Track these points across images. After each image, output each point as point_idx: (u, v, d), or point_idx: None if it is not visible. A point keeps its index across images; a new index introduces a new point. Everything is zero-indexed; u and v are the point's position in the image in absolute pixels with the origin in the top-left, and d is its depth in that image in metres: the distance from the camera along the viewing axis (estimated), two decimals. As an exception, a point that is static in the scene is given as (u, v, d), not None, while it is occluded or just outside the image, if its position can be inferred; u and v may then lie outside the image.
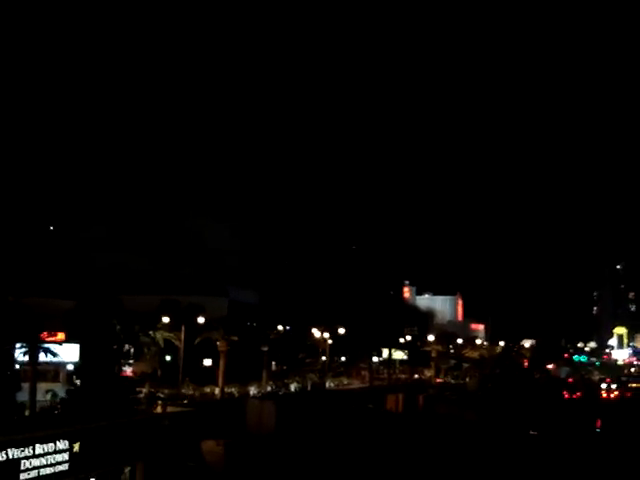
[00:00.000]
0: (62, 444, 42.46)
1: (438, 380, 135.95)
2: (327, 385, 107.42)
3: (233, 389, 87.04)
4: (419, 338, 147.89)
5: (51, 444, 41.68)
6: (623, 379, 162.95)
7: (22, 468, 39.46)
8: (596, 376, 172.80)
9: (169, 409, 66.51)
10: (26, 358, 59.32)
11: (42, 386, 62.20)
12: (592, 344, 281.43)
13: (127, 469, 48.84)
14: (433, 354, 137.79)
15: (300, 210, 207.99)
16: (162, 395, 73.99)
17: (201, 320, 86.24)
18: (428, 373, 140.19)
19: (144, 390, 71.29)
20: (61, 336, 65.50)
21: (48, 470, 41.12)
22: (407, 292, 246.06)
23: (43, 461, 40.94)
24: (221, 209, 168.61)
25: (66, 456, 42.54)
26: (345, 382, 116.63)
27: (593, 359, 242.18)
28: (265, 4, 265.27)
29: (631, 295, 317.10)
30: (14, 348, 58.26)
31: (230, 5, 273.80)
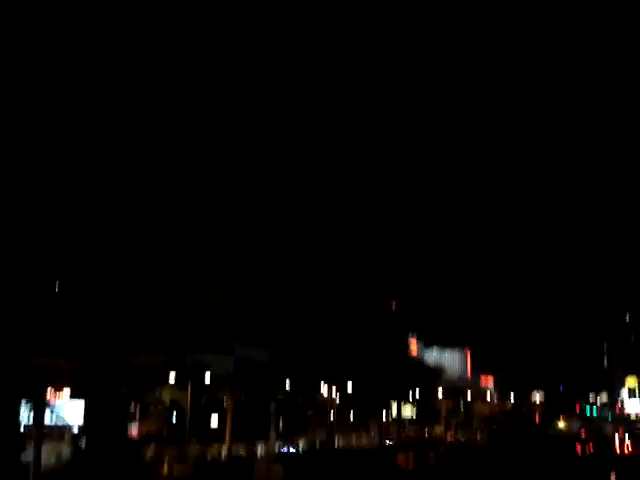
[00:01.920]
0: (67, 507, 41.88)
1: (448, 436, 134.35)
2: (336, 443, 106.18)
3: (240, 449, 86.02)
4: (428, 394, 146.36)
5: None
6: (636, 432, 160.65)
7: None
8: (608, 429, 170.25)
9: (175, 470, 65.75)
10: (31, 419, 58.87)
11: (47, 447, 61.56)
12: (603, 397, 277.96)
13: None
14: (443, 410, 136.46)
15: (307, 265, 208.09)
16: (168, 456, 73.18)
17: (207, 378, 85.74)
18: (438, 429, 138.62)
19: (150, 450, 70.61)
20: (67, 396, 65.07)
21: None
22: (414, 346, 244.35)
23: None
24: (225, 265, 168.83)
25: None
26: (354, 440, 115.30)
27: (605, 412, 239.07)
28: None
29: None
30: (19, 408, 57.92)
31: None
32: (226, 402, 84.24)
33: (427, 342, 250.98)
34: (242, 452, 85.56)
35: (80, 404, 65.46)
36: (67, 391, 65.78)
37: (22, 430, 59.97)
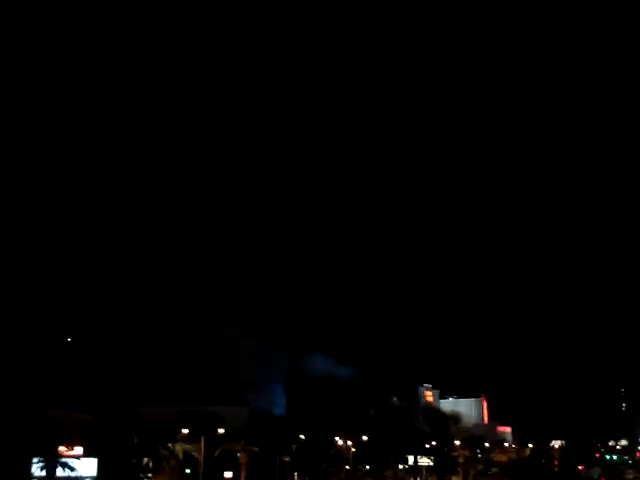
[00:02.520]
0: None
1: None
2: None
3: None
4: (445, 443, 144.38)
5: None
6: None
7: None
8: (630, 475, 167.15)
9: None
10: (43, 473, 58.53)
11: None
12: (623, 442, 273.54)
13: None
14: (460, 459, 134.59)
15: (317, 314, 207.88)
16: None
17: (221, 431, 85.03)
18: (455, 479, 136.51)
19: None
20: (79, 450, 64.69)
21: None
22: (430, 396, 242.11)
23: None
24: (237, 316, 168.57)
25: None
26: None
27: (625, 457, 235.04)
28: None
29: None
30: (31, 463, 57.65)
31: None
32: (240, 455, 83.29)
33: (443, 392, 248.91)
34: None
35: (93, 461, 65.05)
36: (80, 448, 65.36)
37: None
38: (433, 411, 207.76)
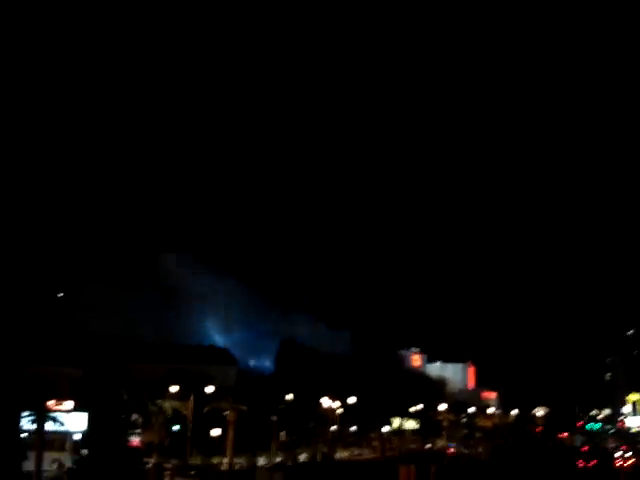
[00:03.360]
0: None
1: (450, 450, 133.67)
2: (337, 455, 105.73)
3: (242, 460, 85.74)
4: (430, 407, 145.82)
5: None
6: (639, 447, 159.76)
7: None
8: (611, 444, 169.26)
9: (177, 480, 65.60)
10: (33, 427, 58.69)
11: (49, 455, 61.40)
12: (606, 411, 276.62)
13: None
14: (445, 423, 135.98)
15: (311, 273, 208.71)
16: (170, 466, 73.01)
17: (210, 389, 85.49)
18: (440, 442, 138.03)
19: (152, 460, 70.37)
20: (69, 405, 64.90)
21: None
22: (417, 360, 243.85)
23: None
24: (228, 273, 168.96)
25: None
26: (356, 452, 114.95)
27: (607, 427, 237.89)
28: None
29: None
30: (21, 417, 57.78)
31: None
32: (228, 414, 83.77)
33: (430, 357, 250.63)
34: (243, 463, 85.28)
35: (83, 416, 65.29)
36: (70, 403, 65.57)
37: (23, 439, 59.87)
38: (420, 375, 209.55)
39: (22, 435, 59.03)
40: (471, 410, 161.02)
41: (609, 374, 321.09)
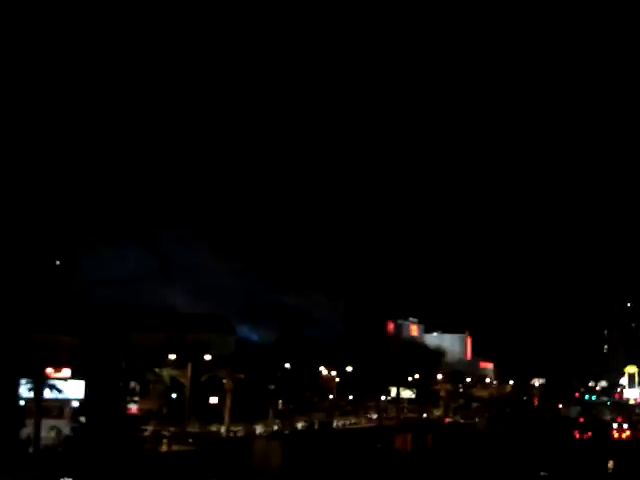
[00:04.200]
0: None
1: (447, 419, 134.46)
2: (334, 424, 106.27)
3: (239, 428, 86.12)
4: (428, 377, 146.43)
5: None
6: (635, 418, 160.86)
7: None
8: (607, 416, 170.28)
9: (174, 448, 65.87)
10: (31, 394, 58.78)
11: (47, 423, 61.59)
12: (603, 383, 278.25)
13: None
14: (442, 393, 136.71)
15: (308, 242, 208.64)
16: (167, 433, 73.26)
17: (208, 358, 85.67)
18: (437, 412, 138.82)
19: (149, 428, 70.68)
20: (66, 372, 64.99)
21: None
22: (415, 330, 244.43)
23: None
24: (227, 244, 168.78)
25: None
26: (353, 421, 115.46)
27: (604, 398, 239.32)
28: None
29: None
30: (19, 384, 57.85)
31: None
32: (226, 382, 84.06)
33: (428, 327, 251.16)
34: (241, 431, 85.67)
35: (81, 383, 65.40)
36: (68, 371, 65.65)
37: (21, 406, 60.00)
38: (417, 344, 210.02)
39: (20, 402, 59.09)
40: (468, 380, 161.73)
41: (607, 346, 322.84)
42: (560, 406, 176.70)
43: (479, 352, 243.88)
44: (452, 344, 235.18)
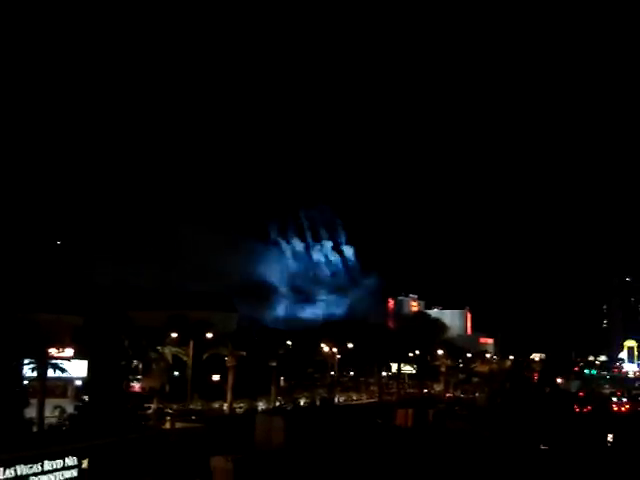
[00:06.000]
0: (71, 461, 42.35)
1: (448, 394, 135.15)
2: (336, 400, 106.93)
3: (242, 404, 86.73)
4: (428, 352, 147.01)
5: (60, 461, 41.58)
6: (634, 392, 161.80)
7: (31, 484, 39.35)
8: (607, 390, 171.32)
9: (178, 425, 66.26)
10: (34, 374, 59.19)
11: (50, 402, 62.05)
12: (602, 357, 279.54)
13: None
14: (442, 368, 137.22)
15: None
16: (170, 411, 73.87)
17: (209, 336, 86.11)
18: (437, 387, 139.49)
19: (152, 406, 71.13)
20: (69, 352, 65.37)
21: (57, 486, 41.00)
22: (415, 306, 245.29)
23: (52, 478, 40.83)
24: (228, 224, 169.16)
25: (75, 472, 42.42)
26: (354, 397, 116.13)
27: (603, 372, 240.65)
28: (265, 4, 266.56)
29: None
30: (22, 364, 58.20)
31: (230, 5, 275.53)
32: (228, 359, 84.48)
33: (428, 303, 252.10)
34: (244, 407, 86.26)
35: (84, 363, 65.82)
36: (70, 350, 65.99)
37: (25, 386, 60.36)
38: (418, 320, 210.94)
39: (24, 382, 59.46)
40: (469, 355, 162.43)
41: (606, 320, 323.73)
42: (560, 380, 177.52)
43: (479, 328, 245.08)
44: (452, 320, 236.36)
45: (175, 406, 77.02)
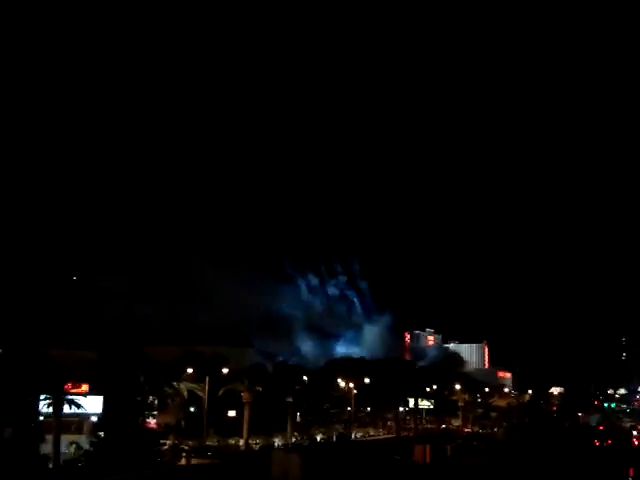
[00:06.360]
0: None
1: (466, 429, 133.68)
2: (353, 435, 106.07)
3: (258, 440, 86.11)
4: (446, 386, 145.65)
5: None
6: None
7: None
8: (627, 423, 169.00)
9: (193, 461, 65.87)
10: (50, 410, 59.09)
11: (66, 438, 61.84)
12: (622, 390, 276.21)
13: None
14: (460, 403, 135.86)
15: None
16: (186, 447, 73.45)
17: (225, 371, 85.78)
18: (455, 422, 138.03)
19: (168, 442, 70.81)
20: (85, 388, 65.27)
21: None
22: (432, 341, 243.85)
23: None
24: (241, 259, 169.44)
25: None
26: (371, 432, 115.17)
27: (623, 406, 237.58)
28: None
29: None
30: (38, 399, 58.17)
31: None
32: (244, 395, 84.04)
33: (445, 337, 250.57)
34: (260, 443, 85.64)
35: (99, 398, 65.73)
36: (86, 386, 65.91)
37: (41, 422, 60.33)
38: (437, 350, 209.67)
39: (40, 418, 59.40)
40: (486, 390, 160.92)
41: (625, 353, 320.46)
42: (580, 414, 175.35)
43: (497, 362, 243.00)
44: (470, 354, 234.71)
45: (191, 442, 76.54)
